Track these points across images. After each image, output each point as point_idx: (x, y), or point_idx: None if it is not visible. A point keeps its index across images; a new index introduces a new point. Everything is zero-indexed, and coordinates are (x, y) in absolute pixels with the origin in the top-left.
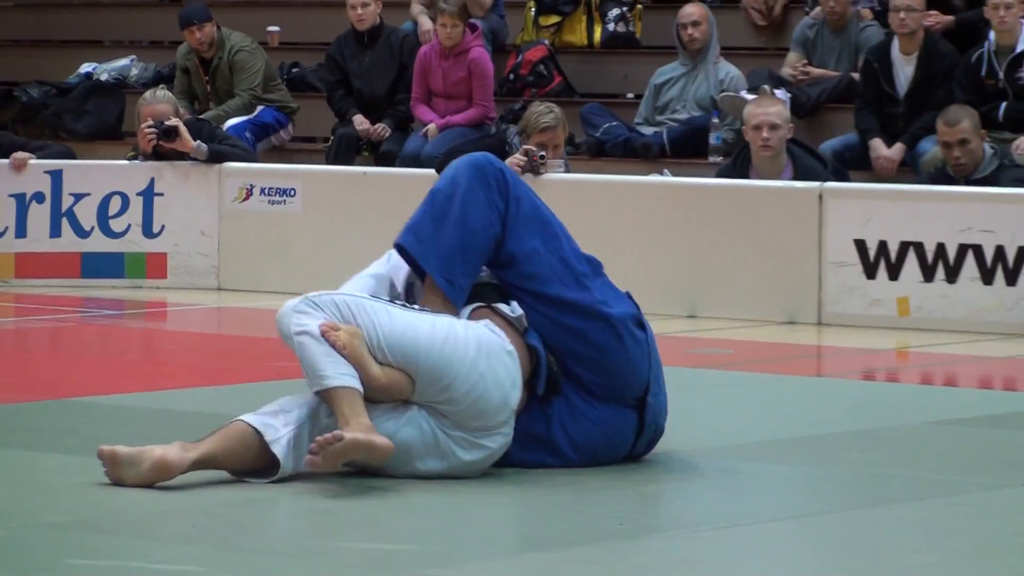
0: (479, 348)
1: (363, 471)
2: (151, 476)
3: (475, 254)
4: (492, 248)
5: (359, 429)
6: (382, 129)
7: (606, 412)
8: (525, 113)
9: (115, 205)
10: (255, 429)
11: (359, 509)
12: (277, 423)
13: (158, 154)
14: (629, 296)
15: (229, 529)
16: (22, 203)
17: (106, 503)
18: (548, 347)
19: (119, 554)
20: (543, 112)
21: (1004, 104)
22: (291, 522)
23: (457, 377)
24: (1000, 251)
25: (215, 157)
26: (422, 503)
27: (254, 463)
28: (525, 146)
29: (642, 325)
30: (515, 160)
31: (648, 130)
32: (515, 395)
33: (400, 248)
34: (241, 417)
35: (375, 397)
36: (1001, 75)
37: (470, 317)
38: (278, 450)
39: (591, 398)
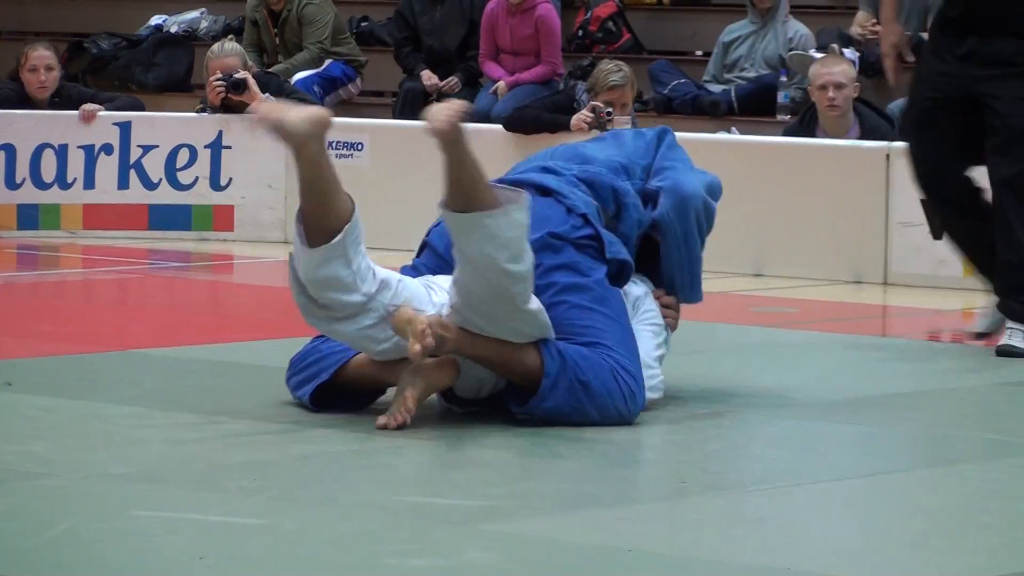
0: None
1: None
2: None
3: None
4: None
5: None
6: (453, 83)
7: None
8: (594, 71)
9: (183, 157)
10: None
11: (420, 464)
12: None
13: (226, 107)
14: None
15: (290, 482)
16: (91, 155)
17: (169, 455)
18: None
19: (182, 506)
20: (612, 71)
21: None
22: (352, 476)
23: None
24: None
25: None
26: (482, 459)
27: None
28: (592, 103)
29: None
30: (582, 116)
31: (716, 88)
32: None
33: None
34: None
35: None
36: None
37: None
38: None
39: None
